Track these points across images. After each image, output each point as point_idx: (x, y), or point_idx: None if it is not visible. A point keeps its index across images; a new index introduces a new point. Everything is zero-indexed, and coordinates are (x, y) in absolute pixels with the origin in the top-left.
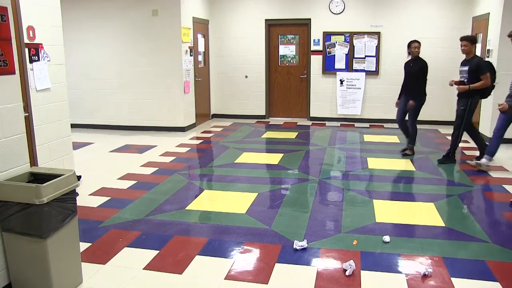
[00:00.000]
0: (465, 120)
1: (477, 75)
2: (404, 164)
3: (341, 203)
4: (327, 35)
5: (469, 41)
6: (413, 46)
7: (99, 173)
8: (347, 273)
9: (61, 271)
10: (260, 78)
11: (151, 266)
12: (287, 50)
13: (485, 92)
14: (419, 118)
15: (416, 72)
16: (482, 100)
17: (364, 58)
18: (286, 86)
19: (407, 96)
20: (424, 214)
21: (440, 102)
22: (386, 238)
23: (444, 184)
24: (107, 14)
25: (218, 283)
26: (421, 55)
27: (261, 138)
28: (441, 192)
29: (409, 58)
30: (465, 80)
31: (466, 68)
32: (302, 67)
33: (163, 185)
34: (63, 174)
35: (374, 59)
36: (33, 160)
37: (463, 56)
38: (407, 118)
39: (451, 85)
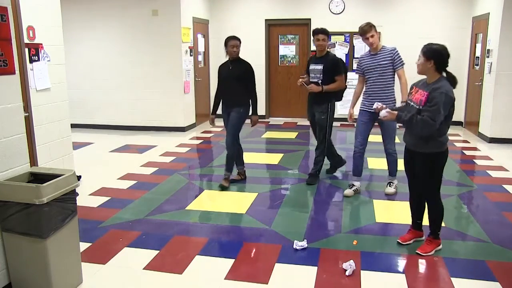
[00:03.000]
0: (329, 130)
1: (332, 76)
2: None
3: (341, 203)
4: None
5: (326, 34)
6: (231, 44)
7: (99, 173)
8: (347, 273)
9: (61, 271)
10: (260, 78)
11: (151, 266)
12: (287, 50)
13: (339, 94)
14: None
15: (238, 77)
16: (483, 99)
17: None
18: (286, 86)
19: (227, 108)
20: (424, 214)
21: None
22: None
23: (444, 184)
24: (107, 14)
25: (218, 283)
26: None
27: (261, 138)
28: (441, 192)
29: (227, 59)
30: (319, 80)
31: (319, 67)
32: (302, 67)
33: (163, 185)
34: (63, 174)
35: None
36: (33, 160)
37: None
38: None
39: (301, 85)
